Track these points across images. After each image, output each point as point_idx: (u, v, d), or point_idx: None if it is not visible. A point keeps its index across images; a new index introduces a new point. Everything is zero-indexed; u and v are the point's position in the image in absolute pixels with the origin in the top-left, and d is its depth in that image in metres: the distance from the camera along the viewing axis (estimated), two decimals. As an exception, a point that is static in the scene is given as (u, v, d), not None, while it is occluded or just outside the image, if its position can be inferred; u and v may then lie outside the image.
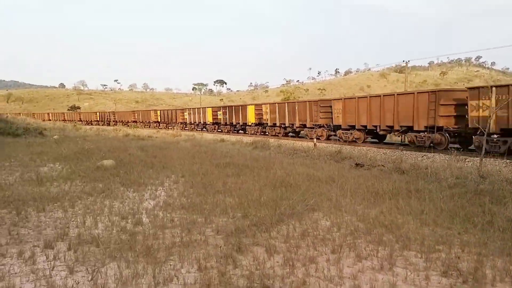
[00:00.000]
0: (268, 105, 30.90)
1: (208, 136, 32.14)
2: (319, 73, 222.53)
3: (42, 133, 26.68)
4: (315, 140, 21.55)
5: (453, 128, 16.85)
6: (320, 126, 24.86)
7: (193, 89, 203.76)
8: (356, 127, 21.87)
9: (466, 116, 15.65)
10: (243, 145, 21.76)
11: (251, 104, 34.89)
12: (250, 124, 33.17)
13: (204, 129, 41.15)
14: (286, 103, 28.84)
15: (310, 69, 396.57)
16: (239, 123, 35.03)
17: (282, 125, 28.93)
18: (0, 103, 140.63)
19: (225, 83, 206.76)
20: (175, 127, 42.03)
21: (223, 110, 37.38)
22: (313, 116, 24.98)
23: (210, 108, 40.54)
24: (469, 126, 15.46)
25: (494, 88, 14.57)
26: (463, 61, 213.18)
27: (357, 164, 12.08)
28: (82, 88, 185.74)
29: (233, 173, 10.40)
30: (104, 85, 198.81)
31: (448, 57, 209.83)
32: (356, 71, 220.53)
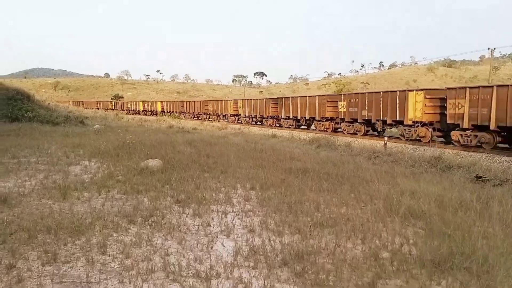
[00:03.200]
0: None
1: (254, 129, 29.64)
2: (362, 66, 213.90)
3: (83, 122, 25.05)
4: (386, 139, 18.38)
5: (334, 116, 25.03)
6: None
7: (233, 81, 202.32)
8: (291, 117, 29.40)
9: (339, 110, 24.24)
10: (302, 142, 18.97)
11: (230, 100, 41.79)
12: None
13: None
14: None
15: (353, 61, 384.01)
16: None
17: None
18: (48, 90, 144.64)
19: (265, 75, 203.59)
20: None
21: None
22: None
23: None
24: (338, 117, 24.46)
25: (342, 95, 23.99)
26: (491, 58, 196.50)
27: (478, 177, 8.99)
28: (125, 78, 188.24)
29: (318, 186, 7.66)
30: (147, 75, 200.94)
31: (500, 52, 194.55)
32: (402, 65, 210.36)
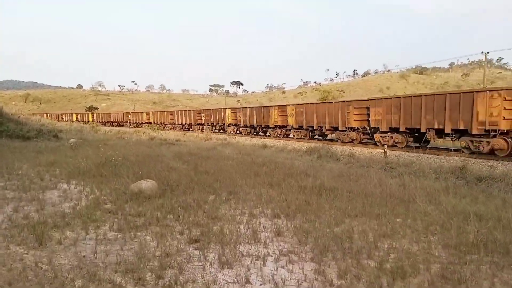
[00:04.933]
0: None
1: (241, 139, 28.30)
2: (337, 74, 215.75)
3: (57, 136, 23.04)
4: (386, 147, 17.35)
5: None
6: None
7: (209, 90, 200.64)
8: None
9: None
10: (299, 153, 17.68)
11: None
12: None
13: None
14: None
15: (328, 70, 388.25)
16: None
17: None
18: (18, 103, 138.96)
19: (242, 84, 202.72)
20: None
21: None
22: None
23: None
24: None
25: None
26: (484, 62, 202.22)
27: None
28: (99, 89, 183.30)
29: (352, 209, 6.37)
30: (122, 86, 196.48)
31: (468, 59, 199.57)
32: (375, 72, 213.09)
